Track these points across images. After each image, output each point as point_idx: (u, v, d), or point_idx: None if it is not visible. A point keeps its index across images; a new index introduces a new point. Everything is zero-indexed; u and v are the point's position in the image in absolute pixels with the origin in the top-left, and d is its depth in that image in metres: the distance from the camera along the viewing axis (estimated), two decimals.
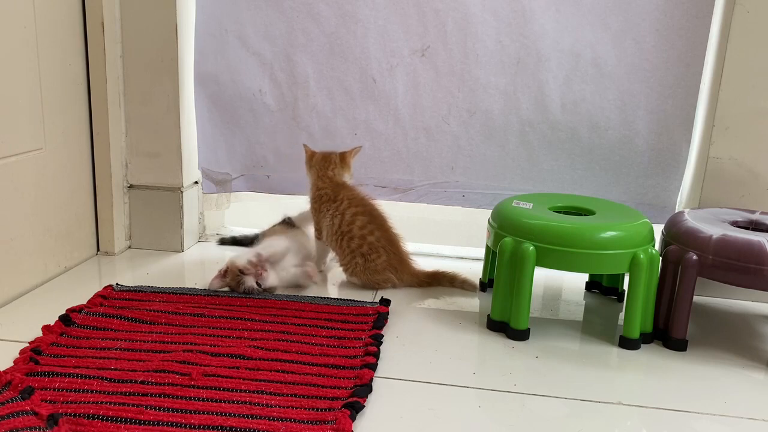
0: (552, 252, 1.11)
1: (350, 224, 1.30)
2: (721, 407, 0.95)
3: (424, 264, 1.36)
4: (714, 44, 1.33)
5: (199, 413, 0.86)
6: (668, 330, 1.14)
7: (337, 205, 1.32)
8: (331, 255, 1.41)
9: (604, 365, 1.07)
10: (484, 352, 1.10)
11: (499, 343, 1.12)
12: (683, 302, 1.12)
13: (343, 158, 1.37)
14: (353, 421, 0.86)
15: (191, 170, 1.52)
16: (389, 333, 1.13)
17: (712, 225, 1.15)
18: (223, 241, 1.57)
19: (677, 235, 1.15)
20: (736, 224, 1.19)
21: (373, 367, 1.00)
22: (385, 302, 1.23)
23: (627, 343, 1.12)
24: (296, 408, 0.88)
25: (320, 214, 1.35)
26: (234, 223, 1.66)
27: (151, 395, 0.89)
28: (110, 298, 1.19)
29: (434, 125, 1.47)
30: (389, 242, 1.32)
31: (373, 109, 1.48)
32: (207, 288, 1.25)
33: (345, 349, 1.05)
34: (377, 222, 1.32)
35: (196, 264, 1.44)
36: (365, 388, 0.93)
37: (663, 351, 1.12)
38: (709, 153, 1.32)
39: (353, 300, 1.24)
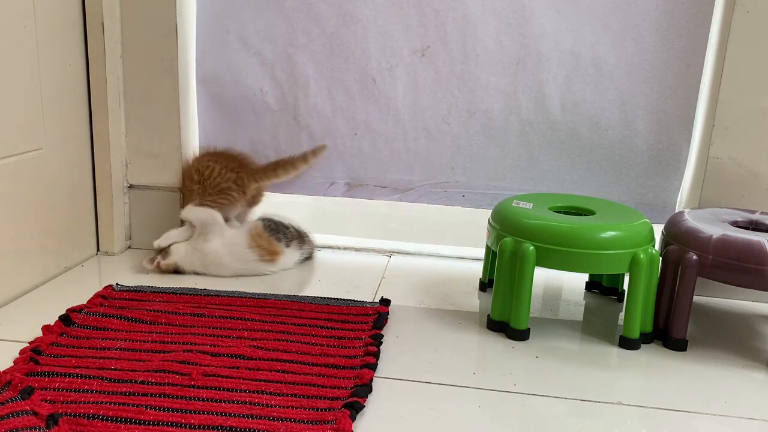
0: (552, 252, 1.11)
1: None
2: (721, 407, 0.95)
3: (421, 263, 1.36)
4: (714, 44, 1.33)
5: (199, 413, 0.86)
6: (668, 330, 1.14)
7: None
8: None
9: (604, 365, 1.07)
10: (484, 352, 1.10)
11: (499, 343, 1.12)
12: (683, 302, 1.12)
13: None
14: (353, 421, 0.86)
15: None
16: (389, 333, 1.13)
17: (712, 225, 1.15)
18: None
19: (677, 235, 1.15)
20: (736, 224, 1.19)
21: (373, 367, 1.00)
22: (385, 302, 1.23)
23: (627, 343, 1.12)
24: (296, 408, 0.88)
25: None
26: None
27: (151, 395, 0.89)
28: (110, 298, 1.19)
29: (434, 125, 1.47)
30: (226, 156, 1.42)
31: (373, 109, 1.48)
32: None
33: (345, 349, 1.05)
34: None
35: None
36: (365, 388, 0.93)
37: (663, 351, 1.13)
38: (709, 153, 1.32)
39: (353, 300, 1.24)
